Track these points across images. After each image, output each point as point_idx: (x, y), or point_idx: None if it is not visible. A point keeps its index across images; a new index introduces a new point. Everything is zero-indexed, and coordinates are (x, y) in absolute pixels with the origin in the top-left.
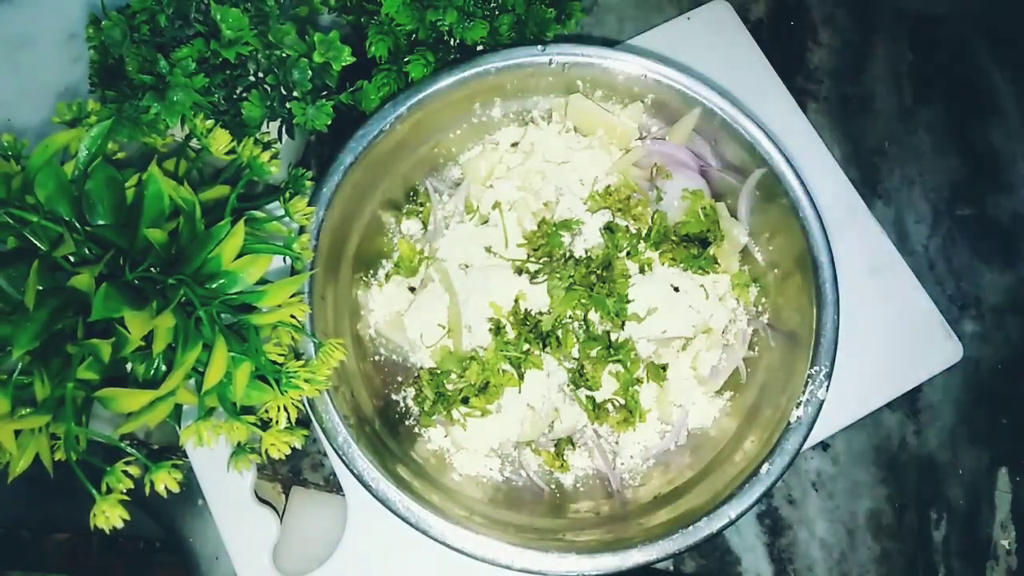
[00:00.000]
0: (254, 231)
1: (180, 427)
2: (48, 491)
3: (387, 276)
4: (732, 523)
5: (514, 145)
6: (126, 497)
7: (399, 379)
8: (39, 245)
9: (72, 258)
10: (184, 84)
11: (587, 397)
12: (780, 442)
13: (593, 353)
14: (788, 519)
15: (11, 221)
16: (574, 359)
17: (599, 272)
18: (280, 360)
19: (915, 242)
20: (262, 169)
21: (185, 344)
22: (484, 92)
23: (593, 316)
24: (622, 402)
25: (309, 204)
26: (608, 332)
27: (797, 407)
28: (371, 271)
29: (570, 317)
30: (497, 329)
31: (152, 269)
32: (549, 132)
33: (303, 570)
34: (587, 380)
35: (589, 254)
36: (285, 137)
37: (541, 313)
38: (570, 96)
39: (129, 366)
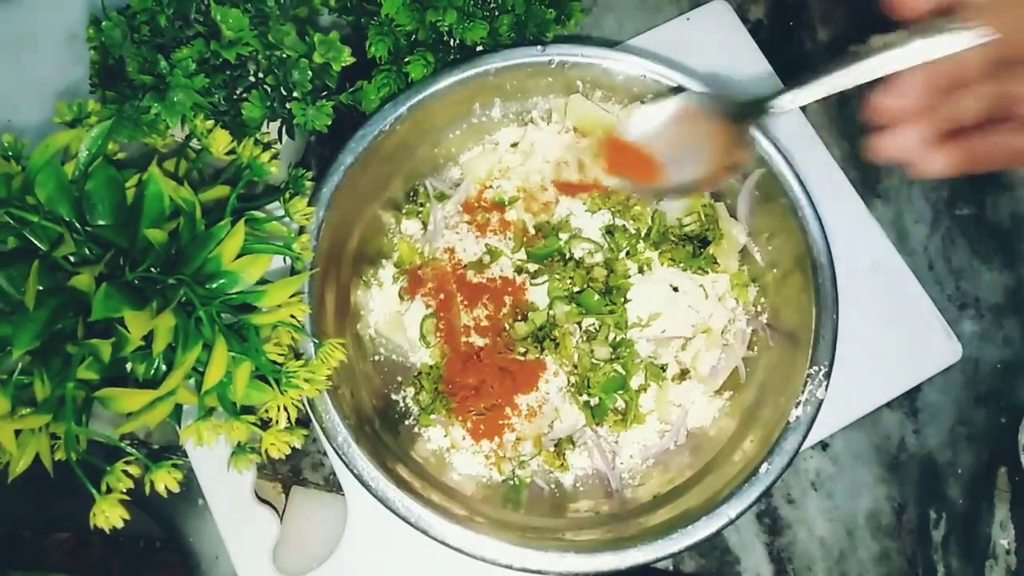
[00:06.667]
0: (254, 231)
1: (180, 427)
2: (48, 491)
3: (387, 276)
4: (731, 523)
5: (514, 145)
6: (126, 497)
7: (399, 379)
8: (39, 245)
9: (72, 258)
10: (184, 84)
11: (584, 402)
12: (779, 442)
13: (594, 356)
14: (787, 519)
15: (11, 221)
16: (574, 366)
17: (601, 282)
18: (280, 360)
19: (914, 242)
20: (262, 169)
21: (185, 344)
22: (484, 92)
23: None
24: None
25: (309, 204)
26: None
27: (796, 407)
28: (371, 271)
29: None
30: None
31: (152, 269)
32: (549, 132)
33: (303, 569)
34: (589, 388)
35: (586, 263)
36: (285, 137)
37: None
38: (570, 96)
39: (129, 366)
